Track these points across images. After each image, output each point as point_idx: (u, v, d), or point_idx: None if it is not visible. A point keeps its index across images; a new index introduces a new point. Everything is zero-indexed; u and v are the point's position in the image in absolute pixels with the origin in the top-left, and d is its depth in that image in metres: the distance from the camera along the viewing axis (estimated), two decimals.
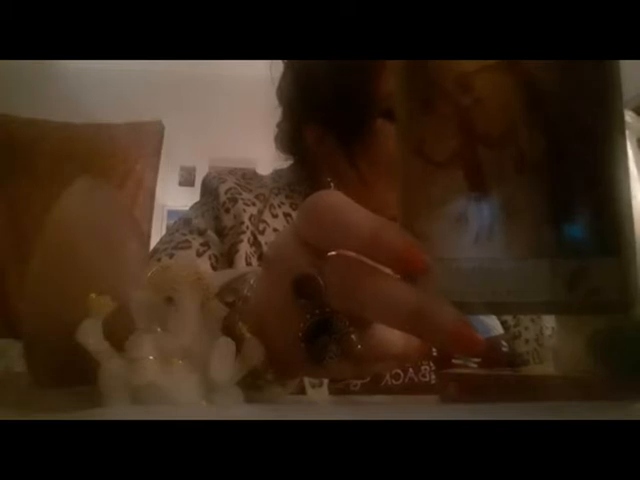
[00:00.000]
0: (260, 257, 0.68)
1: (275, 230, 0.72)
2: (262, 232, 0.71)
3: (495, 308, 0.37)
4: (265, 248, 0.69)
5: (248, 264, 0.68)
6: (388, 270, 0.28)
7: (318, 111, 0.73)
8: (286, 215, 0.75)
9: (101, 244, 0.41)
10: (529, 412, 0.23)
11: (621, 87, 0.26)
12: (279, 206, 0.75)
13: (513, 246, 0.26)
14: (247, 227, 0.70)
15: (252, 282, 0.33)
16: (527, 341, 0.71)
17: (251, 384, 0.30)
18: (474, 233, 0.27)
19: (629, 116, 0.34)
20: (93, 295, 0.27)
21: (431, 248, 0.27)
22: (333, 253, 0.29)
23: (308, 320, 0.28)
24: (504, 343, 0.68)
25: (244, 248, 0.68)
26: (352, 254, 0.28)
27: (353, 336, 0.28)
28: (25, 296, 0.41)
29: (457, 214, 0.27)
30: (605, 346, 0.32)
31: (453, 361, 0.32)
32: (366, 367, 0.31)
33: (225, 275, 0.36)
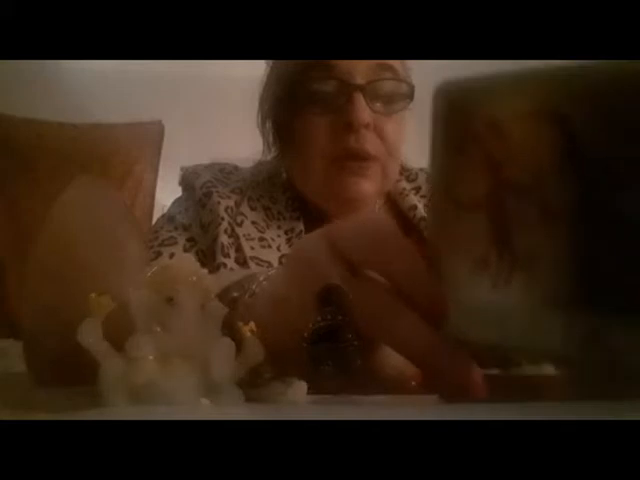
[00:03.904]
0: (238, 249, 0.69)
1: (253, 223, 0.72)
2: (240, 224, 0.71)
3: (504, 351, 0.36)
4: (242, 240, 0.69)
5: (225, 255, 0.68)
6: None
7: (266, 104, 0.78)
8: (265, 208, 0.75)
9: (101, 243, 0.41)
10: (529, 412, 0.23)
11: None
12: (258, 199, 0.75)
13: (531, 293, 0.25)
14: (223, 218, 0.70)
15: (261, 279, 0.33)
16: None
17: (251, 383, 0.30)
18: (493, 278, 0.26)
19: None
20: (93, 295, 0.27)
21: (449, 288, 0.27)
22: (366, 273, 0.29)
23: (316, 323, 0.28)
24: None
25: (221, 239, 0.68)
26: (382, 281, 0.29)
27: (355, 350, 0.28)
28: (25, 295, 0.41)
29: (478, 258, 0.26)
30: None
31: None
32: (361, 384, 0.32)
33: (236, 275, 0.36)
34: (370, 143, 0.69)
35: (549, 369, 0.33)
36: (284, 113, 0.74)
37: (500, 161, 0.26)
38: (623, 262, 0.24)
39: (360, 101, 0.68)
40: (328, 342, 0.28)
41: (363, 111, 0.68)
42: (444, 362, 0.27)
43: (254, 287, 0.33)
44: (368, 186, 0.71)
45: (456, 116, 0.28)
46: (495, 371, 0.42)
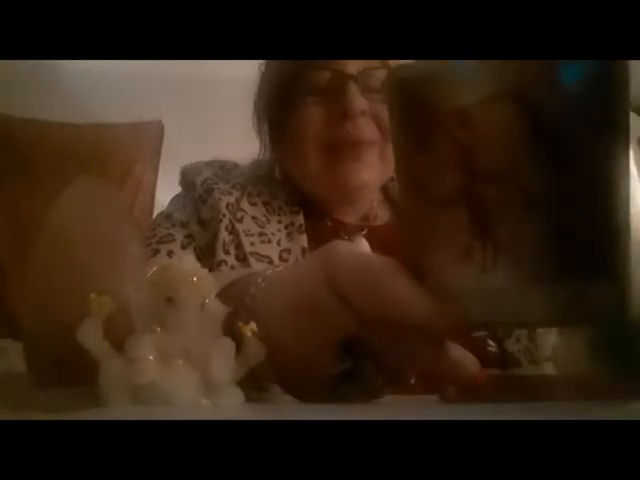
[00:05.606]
0: (238, 245, 0.69)
1: (253, 218, 0.72)
2: (240, 220, 0.71)
3: (496, 325, 0.38)
4: (242, 236, 0.69)
5: (226, 252, 0.68)
6: None
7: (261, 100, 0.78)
8: (265, 204, 0.75)
9: (101, 243, 0.41)
10: (529, 412, 0.23)
11: (629, 126, 0.24)
12: (258, 195, 0.76)
13: (515, 274, 0.26)
14: (224, 215, 0.70)
15: (253, 290, 0.33)
16: (518, 339, 0.70)
17: (252, 387, 0.30)
18: (480, 264, 0.27)
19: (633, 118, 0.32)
20: (93, 295, 0.27)
21: (438, 280, 0.27)
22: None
23: (338, 367, 0.29)
24: (491, 343, 0.67)
25: (222, 236, 0.69)
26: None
27: (373, 370, 0.30)
28: (25, 295, 0.41)
29: (463, 248, 0.27)
30: (605, 345, 0.32)
31: None
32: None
33: (233, 275, 0.36)
34: (367, 129, 0.70)
35: (549, 369, 0.33)
36: (278, 110, 0.75)
37: (470, 150, 0.26)
38: (596, 234, 0.25)
39: (353, 89, 0.69)
40: (351, 383, 0.29)
41: (357, 98, 0.69)
42: (447, 371, 0.29)
43: (248, 300, 0.33)
44: (367, 173, 0.72)
45: (416, 107, 0.27)
46: (495, 371, 0.42)
